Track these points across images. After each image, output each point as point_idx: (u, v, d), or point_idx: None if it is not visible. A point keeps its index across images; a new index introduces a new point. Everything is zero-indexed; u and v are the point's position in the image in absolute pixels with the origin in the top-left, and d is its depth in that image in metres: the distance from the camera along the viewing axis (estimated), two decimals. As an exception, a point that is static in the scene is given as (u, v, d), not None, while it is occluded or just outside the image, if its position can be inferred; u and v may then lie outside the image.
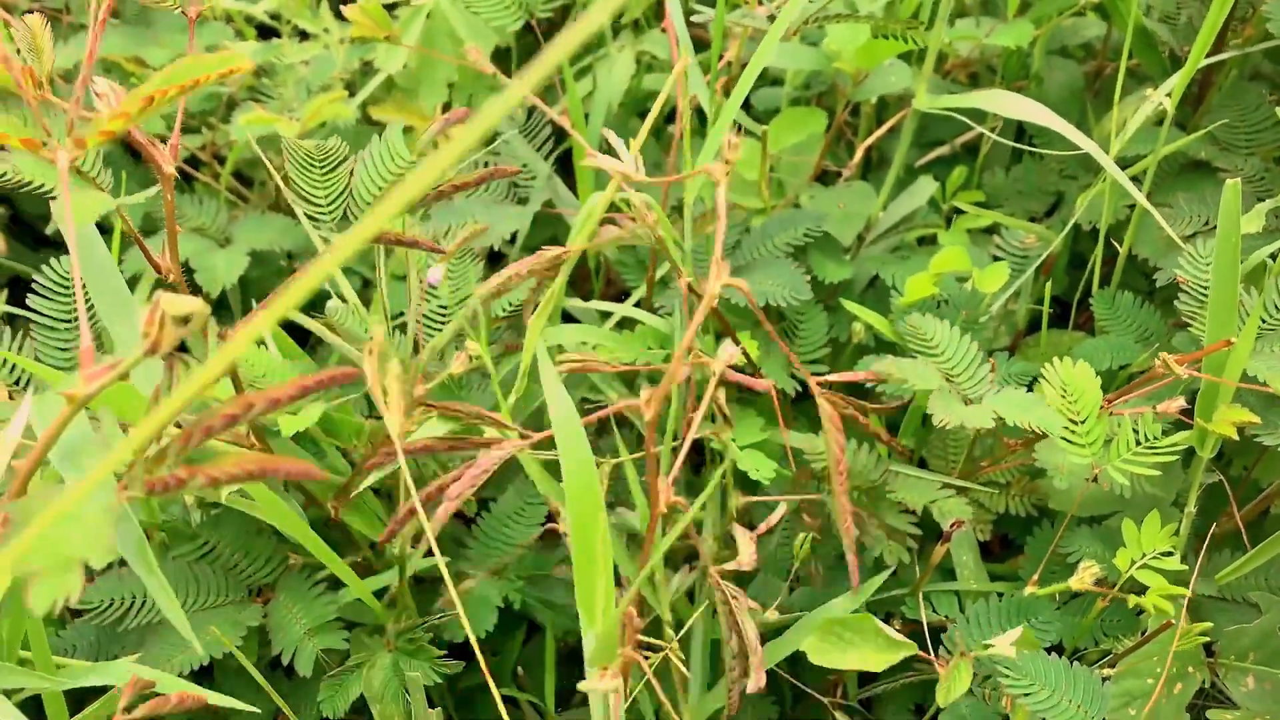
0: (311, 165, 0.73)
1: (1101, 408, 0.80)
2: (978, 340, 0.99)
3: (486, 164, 1.16)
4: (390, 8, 1.21)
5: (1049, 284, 1.03)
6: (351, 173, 0.74)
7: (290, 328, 0.94)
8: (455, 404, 0.75)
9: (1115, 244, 1.02)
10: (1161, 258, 0.98)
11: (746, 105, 1.18)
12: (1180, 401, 0.79)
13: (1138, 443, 0.80)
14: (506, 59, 1.32)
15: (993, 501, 0.96)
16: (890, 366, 0.83)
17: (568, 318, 1.15)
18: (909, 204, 1.08)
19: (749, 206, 1.06)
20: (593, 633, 0.63)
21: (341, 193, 0.75)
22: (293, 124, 1.07)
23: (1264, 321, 0.82)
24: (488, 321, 0.89)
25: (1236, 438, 0.75)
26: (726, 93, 1.11)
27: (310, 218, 0.74)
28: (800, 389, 0.98)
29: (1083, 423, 0.80)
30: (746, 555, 0.73)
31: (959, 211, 1.16)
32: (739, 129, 1.16)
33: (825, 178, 1.15)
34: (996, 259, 1.06)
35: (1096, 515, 0.93)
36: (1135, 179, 1.04)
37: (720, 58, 1.04)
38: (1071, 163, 1.19)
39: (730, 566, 0.74)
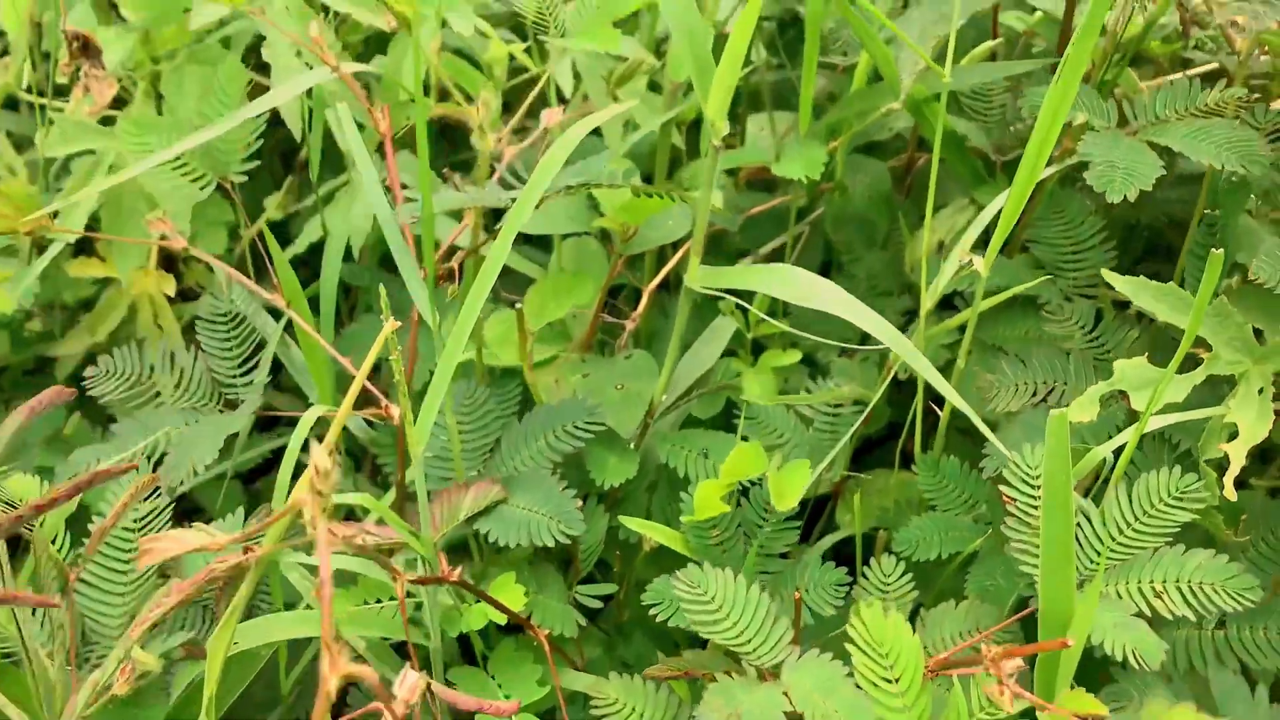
0: None
1: (925, 674, 0.67)
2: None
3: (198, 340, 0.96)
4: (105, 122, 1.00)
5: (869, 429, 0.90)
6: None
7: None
8: None
9: (936, 409, 0.88)
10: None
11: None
12: (1018, 663, 0.65)
13: (970, 714, 0.67)
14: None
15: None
16: (663, 669, 0.68)
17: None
18: (703, 359, 0.93)
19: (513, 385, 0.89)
20: None
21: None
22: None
23: (1112, 553, 0.69)
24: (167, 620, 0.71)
25: (1082, 739, 0.62)
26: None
27: None
28: (586, 620, 0.82)
29: (904, 694, 0.67)
30: None
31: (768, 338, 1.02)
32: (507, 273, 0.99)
33: (609, 328, 0.98)
34: (807, 419, 0.92)
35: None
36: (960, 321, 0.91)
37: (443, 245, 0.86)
38: (887, 277, 1.06)
39: None
